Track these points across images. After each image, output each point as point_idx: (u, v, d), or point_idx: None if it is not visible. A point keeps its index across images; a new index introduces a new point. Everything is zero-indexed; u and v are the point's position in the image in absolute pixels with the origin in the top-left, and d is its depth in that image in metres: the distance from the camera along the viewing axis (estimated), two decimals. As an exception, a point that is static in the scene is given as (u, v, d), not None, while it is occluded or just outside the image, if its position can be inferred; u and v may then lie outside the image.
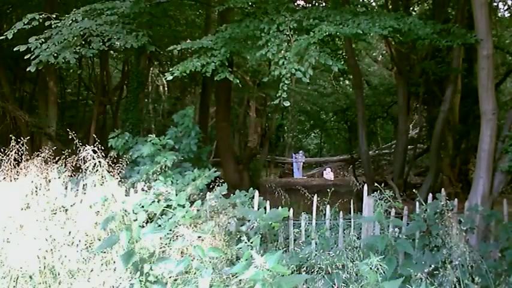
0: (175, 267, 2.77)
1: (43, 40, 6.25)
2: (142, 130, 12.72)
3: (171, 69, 6.25)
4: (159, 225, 4.75)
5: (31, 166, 4.71)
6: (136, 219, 4.60)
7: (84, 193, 4.85)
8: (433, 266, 3.73)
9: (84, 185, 4.97)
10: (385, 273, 3.13)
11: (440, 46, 7.45)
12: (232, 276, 3.18)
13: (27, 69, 6.30)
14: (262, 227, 4.47)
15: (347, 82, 19.92)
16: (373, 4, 14.34)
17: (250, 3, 6.81)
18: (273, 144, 24.39)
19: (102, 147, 3.62)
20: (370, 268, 2.91)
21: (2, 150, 4.76)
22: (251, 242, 3.49)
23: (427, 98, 12.12)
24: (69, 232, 3.95)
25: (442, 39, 6.26)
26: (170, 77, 6.13)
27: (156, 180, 5.75)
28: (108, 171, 3.05)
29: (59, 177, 4.87)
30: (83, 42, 6.64)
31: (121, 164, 5.43)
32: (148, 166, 6.18)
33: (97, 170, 3.15)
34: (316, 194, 5.01)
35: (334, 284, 3.47)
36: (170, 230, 4.23)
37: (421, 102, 12.43)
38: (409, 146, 12.71)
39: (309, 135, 27.59)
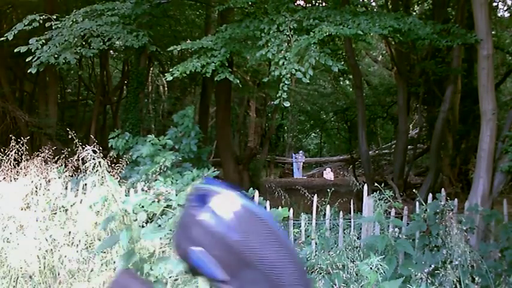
0: (175, 267, 2.77)
1: (44, 41, 6.26)
2: (142, 130, 12.72)
3: (171, 70, 6.26)
4: (159, 225, 4.75)
5: (31, 166, 4.71)
6: (136, 219, 4.60)
7: (84, 193, 4.85)
8: (433, 266, 3.73)
9: (84, 185, 4.98)
10: (385, 273, 3.13)
11: (440, 46, 7.46)
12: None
13: (28, 71, 6.31)
14: (262, 227, 4.46)
15: (347, 82, 19.92)
16: (373, 4, 14.34)
17: (250, 3, 6.82)
18: (273, 144, 24.40)
19: (102, 147, 3.62)
20: (370, 268, 2.91)
21: (2, 150, 4.76)
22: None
23: (427, 98, 12.11)
24: (69, 232, 3.95)
25: (442, 39, 6.26)
26: (170, 78, 6.14)
27: (156, 180, 5.75)
28: (108, 171, 3.05)
29: (59, 177, 4.87)
30: (83, 43, 6.65)
31: (121, 164, 5.44)
32: (148, 166, 6.18)
33: (97, 170, 3.15)
34: (316, 194, 5.02)
35: (335, 284, 3.47)
36: (170, 230, 4.23)
37: (421, 102, 12.42)
38: (409, 146, 12.71)
39: (309, 135, 27.58)
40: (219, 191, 0.59)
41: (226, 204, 0.57)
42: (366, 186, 4.89)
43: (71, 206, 4.43)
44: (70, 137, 4.85)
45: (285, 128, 26.30)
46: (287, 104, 5.43)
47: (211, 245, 0.55)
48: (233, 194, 0.58)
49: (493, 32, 8.81)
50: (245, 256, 0.55)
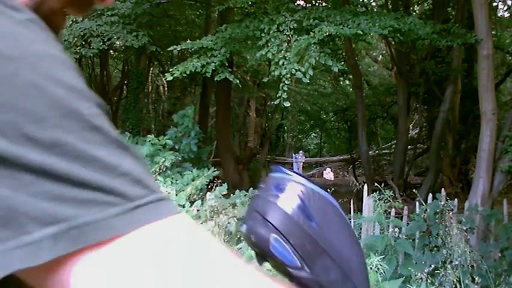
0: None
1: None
2: (142, 130, 12.74)
3: (171, 70, 6.27)
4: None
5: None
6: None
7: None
8: (433, 266, 3.73)
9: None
10: (385, 273, 3.13)
11: (440, 46, 7.46)
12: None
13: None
14: (262, 227, 4.46)
15: (347, 82, 19.92)
16: (373, 4, 14.34)
17: (250, 3, 6.82)
18: (273, 144, 24.39)
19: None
20: (370, 268, 2.91)
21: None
22: (251, 242, 3.48)
23: (427, 98, 12.12)
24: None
25: (442, 39, 6.27)
26: (170, 78, 6.15)
27: (156, 180, 5.75)
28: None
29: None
30: (83, 43, 6.66)
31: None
32: (148, 166, 6.18)
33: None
34: (316, 194, 5.00)
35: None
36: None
37: (421, 102, 12.43)
38: (409, 146, 12.71)
39: (309, 135, 27.58)
40: (294, 178, 0.61)
41: (303, 191, 0.59)
42: (365, 186, 4.89)
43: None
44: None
45: (285, 128, 26.28)
46: (287, 104, 5.44)
47: (291, 232, 0.57)
48: (307, 181, 0.61)
49: (493, 32, 8.82)
50: (320, 244, 0.57)
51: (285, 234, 0.57)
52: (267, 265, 0.62)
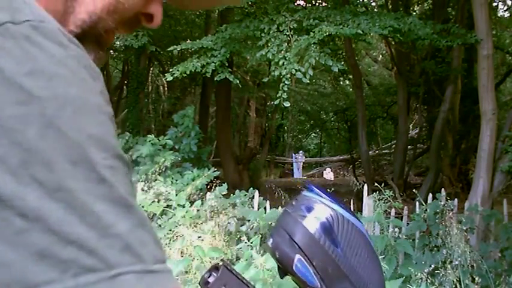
0: (175, 267, 2.77)
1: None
2: (142, 130, 12.74)
3: (171, 70, 6.27)
4: (159, 225, 4.75)
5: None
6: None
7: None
8: (433, 266, 3.73)
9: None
10: (385, 273, 3.13)
11: (440, 46, 7.46)
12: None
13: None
14: (262, 227, 4.47)
15: (347, 82, 19.91)
16: (373, 4, 14.34)
17: (250, 3, 6.82)
18: (273, 144, 24.39)
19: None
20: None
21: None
22: (251, 242, 3.49)
23: (427, 98, 12.11)
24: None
25: (442, 39, 6.27)
26: (170, 78, 6.15)
27: (156, 180, 5.76)
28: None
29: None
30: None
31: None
32: (148, 166, 6.19)
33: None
34: (316, 194, 4.99)
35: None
36: (170, 230, 4.23)
37: (421, 102, 12.43)
38: (409, 146, 12.71)
39: (309, 135, 27.58)
40: (325, 201, 0.62)
41: (332, 215, 0.61)
42: (365, 186, 4.89)
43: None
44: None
45: (285, 128, 26.28)
46: (287, 104, 5.44)
47: (315, 254, 0.59)
48: (338, 206, 0.62)
49: (493, 32, 8.81)
50: (343, 269, 0.59)
51: (308, 256, 0.58)
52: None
